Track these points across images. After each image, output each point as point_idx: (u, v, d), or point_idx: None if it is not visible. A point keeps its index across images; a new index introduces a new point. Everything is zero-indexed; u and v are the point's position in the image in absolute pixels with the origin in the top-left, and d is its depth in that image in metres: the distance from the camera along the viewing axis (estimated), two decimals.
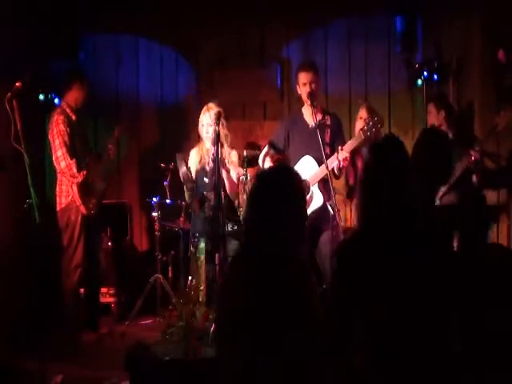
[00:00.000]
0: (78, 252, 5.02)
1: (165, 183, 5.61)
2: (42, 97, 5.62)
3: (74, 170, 4.95)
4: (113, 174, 6.37)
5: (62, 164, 4.95)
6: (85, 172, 4.97)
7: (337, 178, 4.53)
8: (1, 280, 5.00)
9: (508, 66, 5.30)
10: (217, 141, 4.01)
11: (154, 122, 6.58)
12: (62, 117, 4.99)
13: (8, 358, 4.26)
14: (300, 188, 2.46)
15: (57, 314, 5.06)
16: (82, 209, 4.99)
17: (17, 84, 4.21)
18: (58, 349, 4.77)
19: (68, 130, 4.98)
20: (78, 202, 4.98)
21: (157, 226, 5.53)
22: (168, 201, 5.58)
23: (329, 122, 4.55)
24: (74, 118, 5.07)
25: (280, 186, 2.38)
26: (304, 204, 2.47)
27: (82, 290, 5.30)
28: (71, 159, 4.94)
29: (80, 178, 4.96)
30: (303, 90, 4.52)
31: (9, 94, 4.16)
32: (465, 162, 4.68)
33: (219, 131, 4.15)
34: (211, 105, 4.62)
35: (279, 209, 2.33)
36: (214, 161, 4.03)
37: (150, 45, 6.60)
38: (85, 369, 4.47)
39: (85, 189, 5.03)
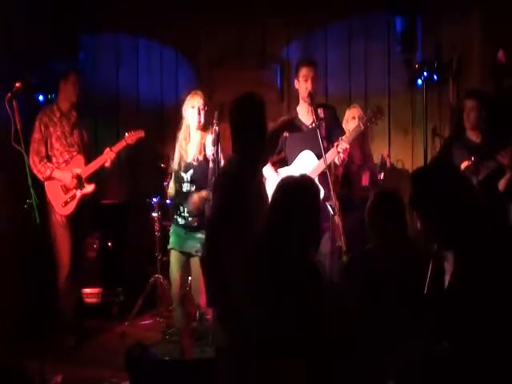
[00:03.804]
0: (64, 252, 4.97)
1: (165, 183, 5.61)
2: (41, 97, 5.61)
3: (38, 166, 4.89)
4: (112, 175, 6.38)
5: (30, 160, 4.88)
6: (47, 171, 4.89)
7: (341, 165, 4.60)
8: (1, 280, 5.00)
9: (508, 65, 5.30)
10: (217, 141, 4.00)
11: (154, 121, 6.58)
12: (40, 115, 4.98)
13: (8, 358, 4.26)
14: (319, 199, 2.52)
15: (56, 314, 5.07)
16: (53, 207, 4.93)
17: (17, 84, 4.21)
18: (58, 349, 4.78)
19: (42, 128, 4.95)
20: (48, 199, 4.92)
21: (157, 226, 5.53)
22: (168, 201, 5.57)
23: (323, 115, 4.54)
24: (58, 115, 5.01)
25: (305, 198, 2.47)
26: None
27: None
28: (37, 156, 4.89)
29: (42, 176, 4.88)
30: (302, 86, 4.51)
31: (9, 94, 4.16)
32: (491, 166, 4.60)
33: (219, 131, 4.14)
34: (196, 91, 4.59)
35: (305, 218, 2.39)
36: (213, 161, 4.02)
37: (150, 45, 6.60)
38: (85, 369, 4.47)
39: (54, 188, 4.96)
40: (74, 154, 5.05)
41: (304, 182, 2.56)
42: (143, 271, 5.86)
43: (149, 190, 5.88)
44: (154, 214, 5.54)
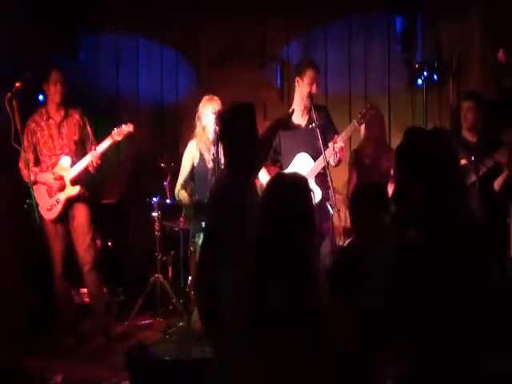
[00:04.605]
0: (55, 254, 4.94)
1: (165, 183, 5.61)
2: (41, 97, 5.61)
3: (24, 171, 4.72)
4: (112, 174, 6.40)
5: (20, 164, 4.84)
6: (32, 176, 4.67)
7: (336, 165, 4.57)
8: (1, 280, 5.01)
9: (508, 65, 5.30)
10: (217, 141, 4.02)
11: (154, 121, 6.58)
12: (29, 121, 4.93)
13: (8, 358, 4.26)
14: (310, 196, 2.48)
15: (56, 313, 5.07)
16: (41, 211, 4.81)
17: (17, 84, 4.22)
18: (58, 349, 4.78)
19: (30, 135, 4.90)
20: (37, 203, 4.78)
21: (157, 226, 5.52)
22: (168, 201, 5.58)
23: (315, 116, 4.54)
24: (44, 119, 4.96)
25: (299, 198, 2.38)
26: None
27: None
28: (24, 163, 4.71)
29: (29, 181, 4.64)
30: (306, 88, 4.50)
31: (9, 93, 4.17)
32: (488, 164, 4.69)
33: (219, 131, 4.15)
34: (213, 96, 4.66)
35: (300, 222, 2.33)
36: (213, 161, 4.03)
37: (150, 45, 6.60)
38: (85, 369, 4.47)
39: (41, 192, 4.85)
40: (62, 156, 4.96)
41: (294, 178, 2.53)
42: (143, 271, 5.86)
43: (149, 189, 5.88)
44: (154, 214, 5.53)
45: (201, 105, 4.62)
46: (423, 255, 2.16)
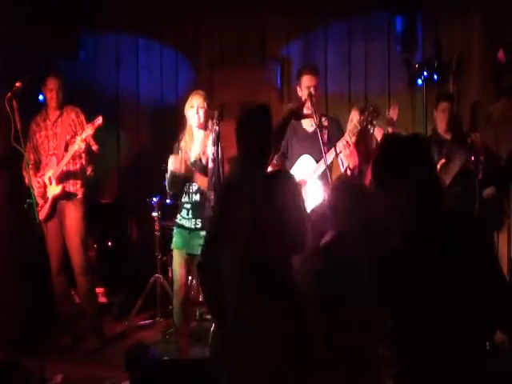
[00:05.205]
0: (52, 254, 4.96)
1: (165, 183, 5.60)
2: (41, 97, 5.61)
3: (24, 173, 4.80)
4: (112, 174, 6.40)
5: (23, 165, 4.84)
6: (25, 174, 4.70)
7: (350, 172, 4.51)
8: (1, 280, 5.01)
9: (508, 65, 5.31)
10: (217, 141, 4.01)
11: (154, 121, 6.58)
12: (31, 122, 4.98)
13: (8, 358, 4.26)
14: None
15: (56, 313, 5.08)
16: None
17: (17, 84, 4.22)
18: (58, 348, 4.79)
19: (31, 137, 4.95)
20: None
21: (157, 226, 5.53)
22: (168, 201, 5.58)
23: (326, 124, 4.54)
24: (43, 120, 5.01)
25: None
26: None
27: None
28: (25, 161, 4.71)
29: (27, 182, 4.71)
30: (305, 93, 4.51)
31: (9, 93, 4.17)
32: (463, 159, 4.86)
33: (219, 131, 4.15)
34: (199, 90, 4.63)
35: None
36: (213, 161, 4.02)
37: (150, 45, 6.61)
38: (85, 369, 4.47)
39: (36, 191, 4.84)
40: (53, 157, 4.98)
41: (284, 176, 2.55)
42: (143, 271, 5.86)
43: (149, 189, 5.88)
44: (154, 214, 5.54)
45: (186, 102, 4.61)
46: (403, 258, 2.17)
